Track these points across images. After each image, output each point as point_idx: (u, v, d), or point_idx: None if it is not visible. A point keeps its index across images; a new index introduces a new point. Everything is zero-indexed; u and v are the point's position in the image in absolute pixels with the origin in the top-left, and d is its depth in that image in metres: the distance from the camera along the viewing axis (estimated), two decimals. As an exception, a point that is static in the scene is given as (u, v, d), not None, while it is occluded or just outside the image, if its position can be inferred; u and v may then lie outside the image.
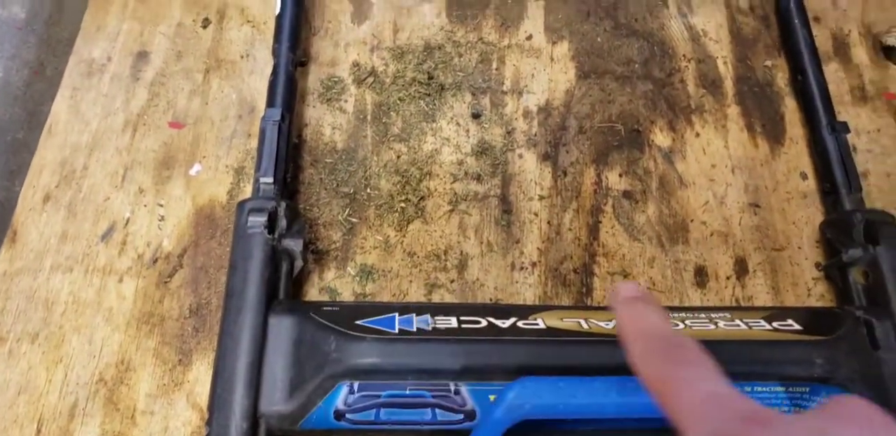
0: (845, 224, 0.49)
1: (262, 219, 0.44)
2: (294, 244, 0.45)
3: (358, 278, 0.50)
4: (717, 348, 0.41)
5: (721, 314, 0.44)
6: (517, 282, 0.50)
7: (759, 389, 0.40)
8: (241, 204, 0.46)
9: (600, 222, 0.53)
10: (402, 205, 0.52)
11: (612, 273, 0.51)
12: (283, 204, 0.46)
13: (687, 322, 0.43)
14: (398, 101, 0.57)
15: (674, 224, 0.53)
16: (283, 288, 0.45)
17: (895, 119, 0.58)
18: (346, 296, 0.49)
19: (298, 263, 0.46)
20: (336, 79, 0.57)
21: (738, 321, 0.43)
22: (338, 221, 0.51)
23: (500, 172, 0.54)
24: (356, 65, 0.58)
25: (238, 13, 0.60)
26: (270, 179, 0.47)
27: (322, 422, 0.40)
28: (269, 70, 0.53)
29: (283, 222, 0.45)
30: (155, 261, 0.50)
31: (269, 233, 0.44)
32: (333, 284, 0.49)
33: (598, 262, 0.51)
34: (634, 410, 0.35)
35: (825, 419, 0.22)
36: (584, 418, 0.38)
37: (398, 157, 0.54)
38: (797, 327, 0.43)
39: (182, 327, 0.47)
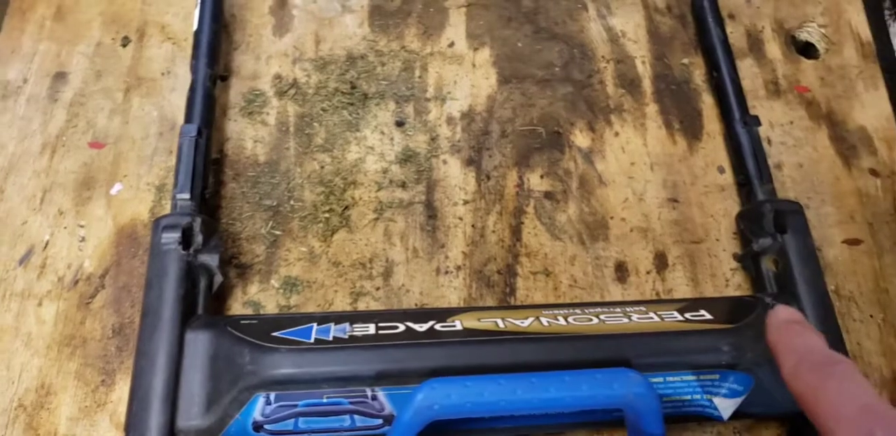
0: (757, 214, 0.50)
1: (175, 235, 0.44)
2: (210, 259, 0.45)
3: (282, 291, 0.50)
4: (629, 340, 0.42)
5: (636, 308, 0.45)
6: (442, 286, 0.51)
7: (672, 378, 0.41)
8: (157, 221, 0.46)
9: (523, 223, 0.54)
10: (327, 215, 0.53)
11: (535, 272, 0.51)
12: (199, 219, 0.46)
13: (602, 317, 0.44)
14: (321, 112, 0.57)
15: (594, 222, 0.54)
16: (202, 303, 0.45)
17: (807, 111, 0.60)
18: (271, 309, 0.49)
19: (218, 278, 0.46)
20: (258, 92, 0.58)
21: (651, 314, 0.44)
22: (261, 235, 0.52)
23: (424, 179, 0.55)
24: (278, 77, 0.59)
25: (158, 31, 0.60)
26: (187, 195, 0.47)
27: (240, 434, 0.40)
28: (189, 86, 0.53)
29: (199, 238, 0.46)
30: (76, 283, 0.49)
31: (185, 249, 0.44)
32: (257, 297, 0.49)
33: (521, 262, 0.52)
34: (540, 405, 0.36)
35: None
36: (495, 415, 0.39)
37: (322, 167, 0.55)
38: (708, 316, 0.44)
39: (105, 347, 0.47)
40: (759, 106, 0.60)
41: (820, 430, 0.27)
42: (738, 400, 0.41)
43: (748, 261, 0.51)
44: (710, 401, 0.42)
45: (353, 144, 0.56)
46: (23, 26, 0.60)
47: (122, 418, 0.44)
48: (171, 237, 0.44)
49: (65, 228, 0.51)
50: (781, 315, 0.34)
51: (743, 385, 0.42)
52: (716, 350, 0.41)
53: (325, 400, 0.40)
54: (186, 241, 0.45)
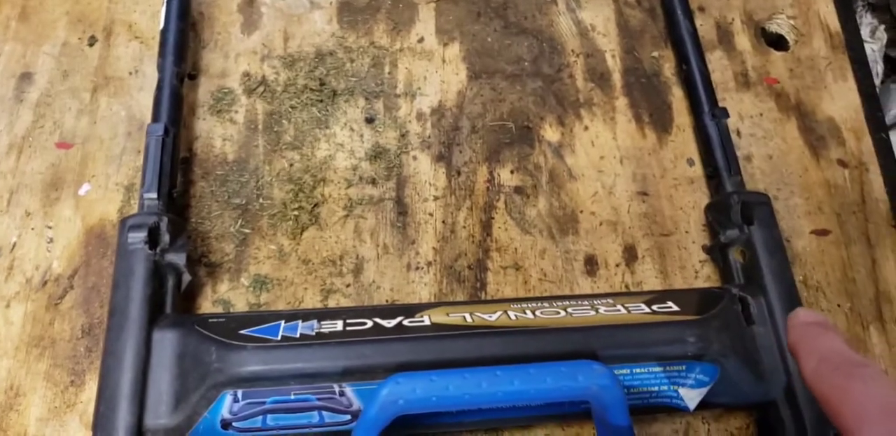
0: (725, 206, 0.50)
1: (141, 234, 0.44)
2: (178, 258, 0.45)
3: (252, 289, 0.50)
4: (596, 333, 0.42)
5: (604, 301, 0.45)
6: (413, 282, 0.51)
7: (638, 370, 0.42)
8: (123, 221, 0.46)
9: (493, 218, 0.54)
10: (296, 213, 0.52)
11: (505, 267, 0.52)
12: (166, 219, 0.46)
13: (569, 310, 0.44)
14: (290, 109, 0.57)
15: (564, 216, 0.54)
16: (171, 303, 0.45)
17: (776, 103, 0.60)
18: (241, 307, 0.49)
19: (186, 278, 0.46)
20: (226, 90, 0.58)
21: (619, 306, 0.44)
22: (230, 233, 0.52)
23: (394, 175, 0.55)
24: (246, 75, 0.58)
25: (125, 30, 0.60)
26: (154, 195, 0.47)
27: (209, 432, 0.40)
28: (156, 85, 0.53)
29: (165, 237, 0.45)
30: (44, 284, 0.49)
31: (151, 248, 0.44)
32: (227, 296, 0.49)
33: (492, 257, 0.52)
34: (505, 398, 0.36)
35: None
36: (461, 409, 0.39)
37: (291, 165, 0.55)
38: (675, 308, 0.44)
39: (74, 347, 0.47)
40: (729, 98, 0.60)
41: (842, 431, 0.27)
42: (704, 390, 0.42)
43: (716, 253, 0.51)
44: (677, 392, 0.42)
45: (323, 141, 0.56)
46: (-12, 27, 0.59)
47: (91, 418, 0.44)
48: (138, 237, 0.44)
49: (32, 229, 0.51)
50: (802, 317, 0.33)
51: (709, 376, 0.42)
52: (682, 341, 0.42)
53: (292, 397, 0.40)
54: (153, 240, 0.45)
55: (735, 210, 0.49)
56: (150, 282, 0.43)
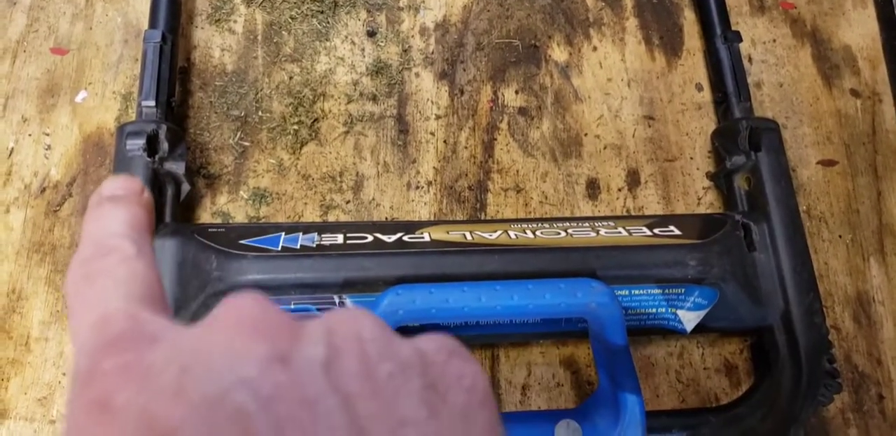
0: (732, 132, 0.50)
1: (140, 141, 0.43)
2: (177, 167, 0.45)
3: (251, 202, 0.49)
4: (596, 253, 0.42)
5: (605, 223, 0.45)
6: (413, 200, 0.51)
7: (637, 291, 0.42)
8: (121, 128, 0.45)
9: (495, 139, 0.53)
10: (296, 127, 0.52)
11: (506, 189, 0.51)
12: (164, 127, 0.45)
13: (570, 231, 0.44)
14: (290, 20, 0.55)
15: (568, 139, 0.53)
16: (170, 212, 0.45)
17: (791, 29, 0.59)
18: (240, 220, 0.49)
19: (185, 187, 0.46)
20: (225, -1, 0.56)
21: (620, 229, 0.44)
22: (229, 145, 0.51)
23: (396, 92, 0.54)
24: (247, -17, 0.56)
25: (120, -69, 0.57)
26: (152, 103, 0.46)
27: (209, 339, 0.40)
28: (152, -10, 0.51)
29: (164, 145, 0.45)
30: (43, 190, 0.49)
31: (150, 156, 0.44)
32: (226, 208, 0.49)
33: (493, 178, 0.52)
34: (503, 312, 0.36)
35: (206, 328, 0.18)
36: (459, 322, 0.40)
37: (290, 78, 0.53)
38: (677, 232, 0.44)
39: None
40: (742, 23, 0.58)
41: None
42: (702, 313, 0.42)
43: (721, 179, 0.51)
44: (675, 314, 0.43)
45: (323, 55, 0.54)
46: (-24, -77, 0.56)
47: (93, 324, 0.45)
48: (136, 144, 0.43)
49: (29, 135, 0.50)
50: (105, 189, 0.24)
51: (707, 299, 0.42)
52: (682, 264, 0.42)
53: (292, 306, 0.40)
54: (151, 148, 0.44)
55: (743, 136, 0.49)
56: (148, 190, 0.43)
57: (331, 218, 0.50)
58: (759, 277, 0.44)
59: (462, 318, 0.37)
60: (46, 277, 0.46)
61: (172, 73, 0.49)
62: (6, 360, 0.44)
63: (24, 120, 0.50)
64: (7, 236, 0.47)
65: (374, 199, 0.50)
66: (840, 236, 0.52)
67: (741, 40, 0.53)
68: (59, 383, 0.44)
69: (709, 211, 0.52)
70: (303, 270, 0.40)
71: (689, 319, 0.43)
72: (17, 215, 0.48)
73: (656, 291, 0.42)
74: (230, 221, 0.49)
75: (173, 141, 0.45)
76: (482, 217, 0.51)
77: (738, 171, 0.49)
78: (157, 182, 0.44)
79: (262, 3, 0.56)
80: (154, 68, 0.47)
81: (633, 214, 0.51)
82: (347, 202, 0.50)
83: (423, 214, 0.50)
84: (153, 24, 0.49)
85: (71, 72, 0.52)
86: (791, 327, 0.43)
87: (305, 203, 0.50)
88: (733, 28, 0.55)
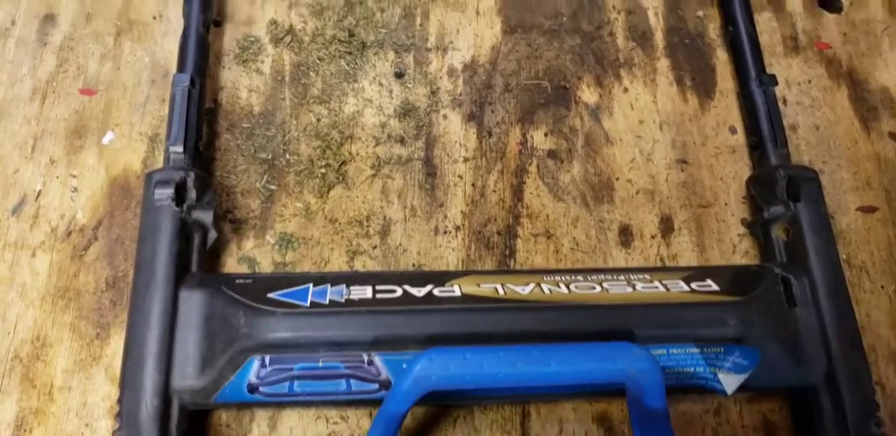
0: (769, 180, 0.49)
1: (169, 191, 0.43)
2: (204, 215, 0.44)
3: (278, 247, 0.49)
4: (633, 311, 0.41)
5: (641, 276, 0.44)
6: (440, 246, 0.50)
7: (675, 351, 0.41)
8: (149, 175, 0.44)
9: (525, 183, 0.52)
10: (323, 170, 0.51)
11: (536, 235, 0.50)
12: (192, 174, 0.44)
13: (605, 285, 0.43)
14: (318, 61, 0.55)
15: (599, 183, 0.52)
16: (196, 260, 0.44)
17: (826, 70, 0.57)
18: (266, 265, 0.48)
19: (212, 235, 0.45)
20: (253, 38, 0.55)
21: (656, 283, 0.43)
22: (256, 189, 0.50)
23: (424, 134, 0.53)
24: (273, 23, 0.56)
25: (149, -30, 0.57)
26: (180, 148, 0.46)
27: (236, 395, 0.39)
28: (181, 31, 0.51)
29: (192, 193, 0.44)
30: (69, 234, 0.48)
31: (178, 205, 0.43)
32: (253, 253, 0.49)
33: (522, 223, 0.51)
34: (540, 379, 0.35)
35: None
36: (493, 387, 0.38)
37: (318, 120, 0.53)
38: (714, 287, 0.43)
39: (99, 300, 0.47)
40: (777, 63, 0.57)
41: None
42: (743, 376, 0.41)
43: (757, 228, 0.49)
44: (714, 374, 0.41)
45: (351, 96, 0.54)
46: (7, -38, 0.57)
47: (117, 373, 0.44)
48: (165, 193, 0.43)
49: (57, 177, 0.50)
50: None
51: (748, 360, 0.41)
52: (722, 323, 0.41)
53: (320, 364, 0.39)
54: (180, 197, 0.44)
55: (780, 186, 0.47)
56: (176, 239, 0.42)
57: (357, 264, 0.49)
58: (800, 334, 0.43)
59: (497, 383, 0.36)
60: (71, 324, 0.46)
61: (200, 117, 0.48)
62: (29, 410, 0.43)
63: (51, 162, 0.50)
64: (33, 281, 0.47)
65: (401, 244, 0.50)
66: (882, 287, 0.50)
67: (776, 84, 0.52)
68: (82, 434, 0.43)
69: (745, 260, 0.51)
70: (332, 328, 0.39)
71: (730, 381, 0.41)
72: (42, 260, 0.47)
73: (695, 350, 0.41)
74: (256, 269, 0.48)
75: (201, 188, 0.45)
76: (512, 264, 0.50)
77: (775, 221, 0.48)
78: (184, 231, 0.43)
79: (289, 43, 0.55)
80: (182, 113, 0.47)
81: (667, 262, 0.50)
82: (374, 248, 0.49)
83: (452, 260, 0.49)
84: (181, 67, 0.49)
85: (98, 112, 0.52)
86: (836, 388, 0.41)
87: (332, 248, 0.49)
88: (767, 69, 0.54)
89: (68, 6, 0.55)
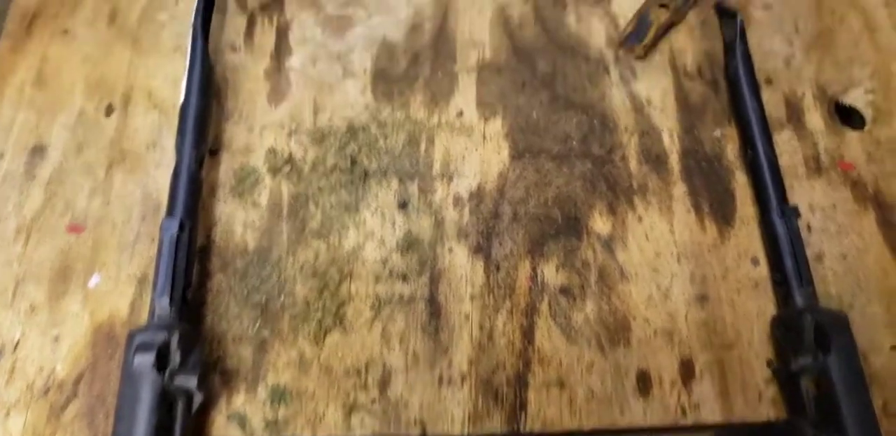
0: (795, 326, 0.45)
1: (150, 357, 0.40)
2: (188, 381, 0.41)
3: (269, 402, 0.45)
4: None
5: (661, 441, 0.40)
6: (445, 398, 0.46)
7: None
8: (131, 336, 0.42)
9: (535, 324, 0.49)
10: (320, 314, 0.48)
11: (548, 384, 0.47)
12: (177, 333, 0.42)
13: (622, 456, 0.39)
14: (318, 191, 0.53)
15: (614, 323, 0.49)
16: (180, 429, 0.41)
17: (852, 193, 0.54)
18: (257, 423, 0.45)
19: (198, 398, 0.42)
20: (250, 169, 0.53)
21: (678, 452, 0.39)
22: (248, 336, 0.47)
23: (428, 269, 0.50)
24: (272, 151, 0.54)
25: (144, 97, 0.56)
26: (167, 301, 0.43)
27: None
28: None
29: (176, 356, 0.41)
30: (46, 391, 0.45)
31: (160, 370, 0.40)
32: (243, 408, 0.45)
33: (533, 370, 0.47)
34: None
35: None
36: None
37: (316, 256, 0.50)
38: (742, 456, 0.39)
39: (75, 466, 0.43)
40: (798, 186, 0.54)
41: None
42: None
43: (784, 376, 0.46)
44: None
45: (352, 229, 0.51)
46: (1, 90, 0.56)
47: None
48: (146, 360, 0.40)
49: (37, 326, 0.47)
50: None
51: None
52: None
53: None
54: (162, 361, 0.41)
55: (808, 333, 0.44)
56: (155, 411, 0.39)
57: (354, 420, 0.45)
58: (839, 507, 0.39)
59: None
60: (44, 494, 0.42)
61: (190, 262, 0.46)
62: None
63: (31, 309, 0.48)
64: (5, 446, 0.44)
65: (401, 396, 0.46)
66: (925, 442, 0.46)
67: (800, 216, 0.49)
68: None
69: (771, 410, 0.47)
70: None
71: None
72: (16, 421, 0.44)
73: None
74: (246, 427, 0.44)
75: (187, 348, 0.42)
76: (523, 417, 0.46)
77: (804, 372, 0.44)
78: (166, 400, 0.40)
79: (288, 172, 0.53)
80: (170, 262, 0.44)
81: (688, 414, 0.46)
82: (373, 402, 0.46)
83: (457, 414, 0.46)
84: (171, 209, 0.47)
85: (86, 252, 0.50)
86: None
87: (327, 403, 0.46)
88: (789, 192, 0.51)
89: (59, 137, 0.54)
